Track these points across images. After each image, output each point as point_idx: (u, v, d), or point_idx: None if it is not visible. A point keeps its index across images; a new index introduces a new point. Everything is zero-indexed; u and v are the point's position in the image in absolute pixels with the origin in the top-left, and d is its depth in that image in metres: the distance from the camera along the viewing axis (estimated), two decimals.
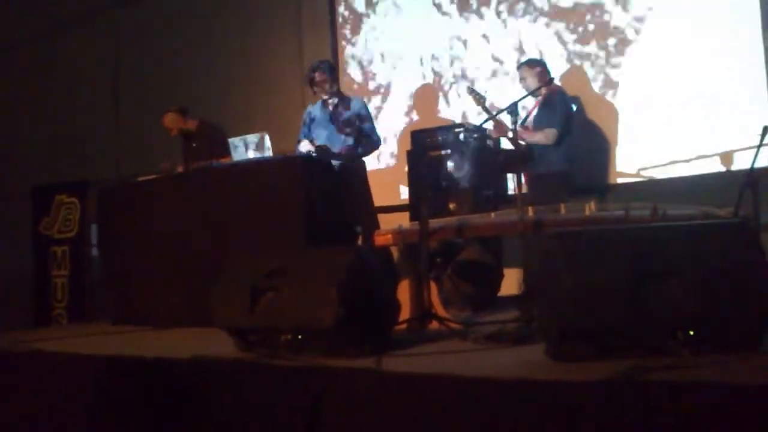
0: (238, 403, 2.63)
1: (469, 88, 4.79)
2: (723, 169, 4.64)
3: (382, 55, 6.27)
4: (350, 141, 4.69)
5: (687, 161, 4.76)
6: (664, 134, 4.85)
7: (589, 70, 5.20)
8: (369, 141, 4.78)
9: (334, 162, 4.40)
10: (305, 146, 4.59)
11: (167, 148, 5.58)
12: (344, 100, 4.79)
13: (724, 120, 4.63)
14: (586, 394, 1.94)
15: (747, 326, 2.21)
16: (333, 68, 4.86)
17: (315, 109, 4.84)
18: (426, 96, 6.02)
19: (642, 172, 4.96)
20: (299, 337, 2.75)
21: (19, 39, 8.39)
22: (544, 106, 4.54)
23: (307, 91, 4.98)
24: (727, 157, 4.62)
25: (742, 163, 4.49)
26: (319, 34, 6.61)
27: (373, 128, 4.82)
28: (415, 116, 6.06)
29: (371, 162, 4.93)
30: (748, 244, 2.32)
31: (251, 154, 4.30)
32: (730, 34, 4.63)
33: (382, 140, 4.99)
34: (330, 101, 4.76)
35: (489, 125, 4.48)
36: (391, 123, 6.09)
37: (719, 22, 4.66)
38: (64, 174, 6.12)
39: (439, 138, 4.84)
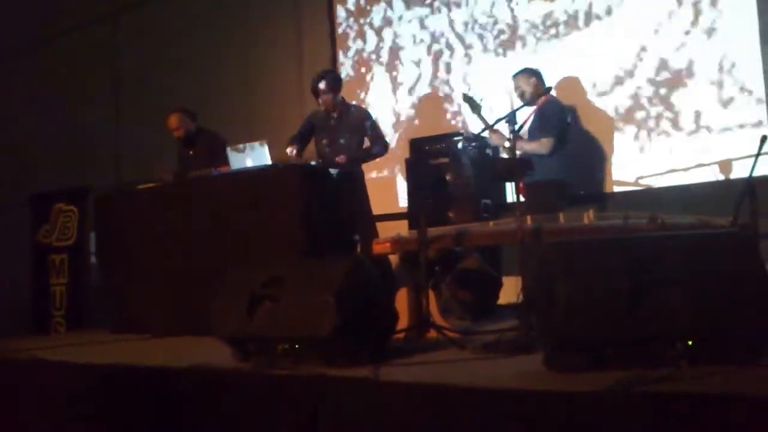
0: (235, 412, 2.62)
1: (465, 95, 4.75)
2: (721, 177, 4.63)
3: (382, 63, 6.28)
4: (361, 144, 4.76)
5: (685, 170, 4.76)
6: (661, 143, 4.85)
7: (587, 80, 5.20)
8: (381, 142, 4.86)
9: (333, 170, 4.40)
10: (290, 152, 4.61)
11: (168, 155, 5.57)
12: (348, 109, 4.84)
13: (723, 128, 4.63)
14: (583, 404, 1.94)
15: (746, 336, 2.21)
16: (337, 78, 4.90)
17: (317, 118, 4.87)
18: (428, 103, 6.02)
19: (640, 181, 4.96)
20: (297, 346, 2.75)
21: (19, 45, 8.41)
22: (540, 115, 4.53)
23: (307, 100, 4.98)
24: (725, 165, 4.62)
25: (740, 171, 4.49)
26: (318, 42, 6.61)
27: (380, 132, 4.91)
28: (414, 124, 6.06)
29: (370, 169, 4.93)
30: (746, 254, 2.31)
31: (250, 163, 4.29)
32: (728, 43, 4.64)
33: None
34: (334, 111, 4.79)
35: (487, 133, 4.48)
36: (391, 131, 6.10)
37: (717, 31, 4.67)
38: (64, 182, 6.12)
39: (438, 146, 4.85)
